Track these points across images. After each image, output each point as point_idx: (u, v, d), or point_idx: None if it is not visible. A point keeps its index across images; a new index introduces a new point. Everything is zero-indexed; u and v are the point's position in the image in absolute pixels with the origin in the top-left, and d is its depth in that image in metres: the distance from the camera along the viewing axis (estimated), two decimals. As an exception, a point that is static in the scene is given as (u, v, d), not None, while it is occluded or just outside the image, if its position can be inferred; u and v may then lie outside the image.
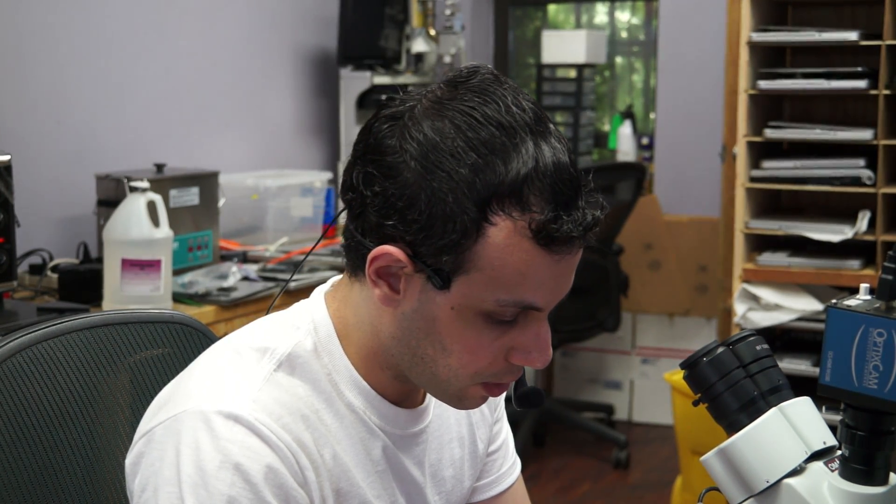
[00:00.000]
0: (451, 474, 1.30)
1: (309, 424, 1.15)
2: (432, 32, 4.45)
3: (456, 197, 1.05)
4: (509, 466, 1.43)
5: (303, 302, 1.23)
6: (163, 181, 3.04)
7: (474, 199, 1.05)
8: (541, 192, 1.05)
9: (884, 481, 1.12)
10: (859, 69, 3.01)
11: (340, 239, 1.23)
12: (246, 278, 3.06)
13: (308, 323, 1.19)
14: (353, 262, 1.16)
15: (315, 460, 1.14)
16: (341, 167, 4.24)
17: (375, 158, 1.09)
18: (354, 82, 4.21)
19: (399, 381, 1.19)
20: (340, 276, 1.23)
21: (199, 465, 1.09)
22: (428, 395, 1.25)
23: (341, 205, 1.20)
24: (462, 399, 1.17)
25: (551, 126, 1.10)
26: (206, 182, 3.21)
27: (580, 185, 1.08)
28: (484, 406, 1.35)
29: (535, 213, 1.05)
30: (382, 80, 4.25)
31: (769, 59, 3.22)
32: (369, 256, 1.10)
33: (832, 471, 1.13)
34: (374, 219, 1.10)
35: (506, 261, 1.06)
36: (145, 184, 2.73)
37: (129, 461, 1.16)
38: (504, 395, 1.32)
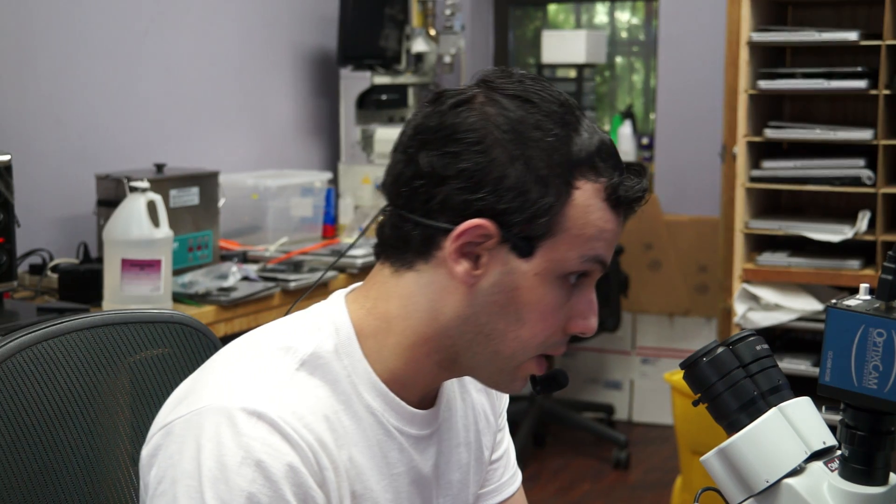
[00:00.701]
0: (458, 478, 1.31)
1: (329, 425, 1.15)
2: (432, 32, 4.45)
3: (547, 163, 1.14)
4: (510, 476, 1.45)
5: (323, 303, 1.24)
6: (163, 181, 3.04)
7: (562, 164, 1.15)
8: (606, 162, 1.18)
9: (883, 481, 1.13)
10: (859, 69, 3.01)
11: (372, 237, 1.25)
12: (246, 278, 3.06)
13: (329, 325, 1.20)
14: (410, 253, 1.18)
15: (335, 461, 1.15)
16: (341, 167, 4.24)
17: (455, 139, 1.14)
18: (354, 82, 4.21)
19: (440, 367, 1.21)
20: (359, 284, 1.25)
21: (221, 459, 1.09)
22: (438, 398, 1.27)
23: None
24: (515, 377, 1.21)
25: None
26: (206, 182, 3.21)
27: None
28: (489, 412, 1.38)
29: (606, 179, 1.17)
30: (382, 80, 4.25)
31: (769, 59, 3.22)
32: (455, 232, 1.14)
33: (832, 471, 1.13)
34: (458, 196, 1.14)
35: (588, 219, 1.16)
36: (145, 184, 2.73)
37: (145, 453, 1.16)
38: (506, 403, 1.41)
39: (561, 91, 1.20)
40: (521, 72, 1.20)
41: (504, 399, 1.42)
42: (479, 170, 1.13)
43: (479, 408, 1.36)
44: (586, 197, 1.15)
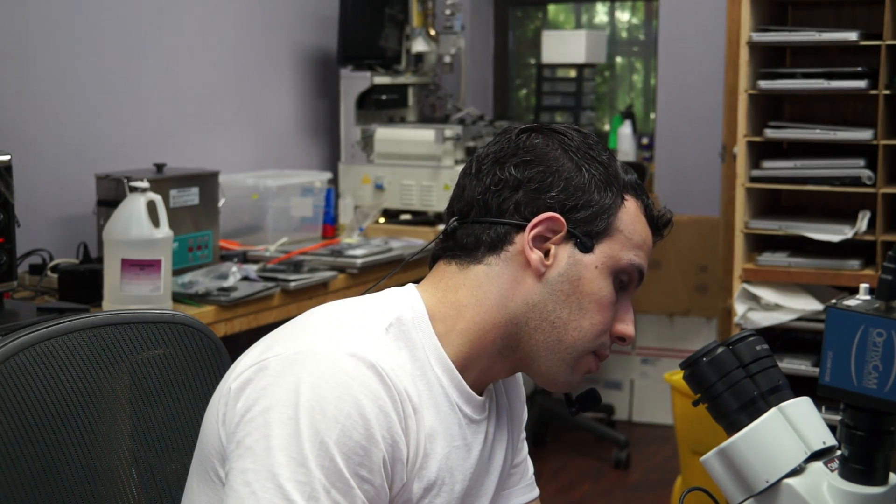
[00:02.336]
0: (496, 467, 1.41)
1: (412, 383, 1.26)
2: (432, 32, 4.45)
3: (605, 174, 1.33)
4: (526, 485, 1.54)
5: (395, 289, 1.36)
6: (163, 181, 3.04)
7: (615, 178, 1.34)
8: (642, 191, 1.38)
9: (883, 481, 1.13)
10: (859, 69, 3.01)
11: (437, 237, 1.39)
12: (246, 278, 3.06)
13: (405, 303, 1.32)
14: (477, 250, 1.33)
15: (418, 413, 1.25)
16: (341, 167, 4.24)
17: (528, 151, 1.33)
18: (354, 82, 4.21)
19: (501, 357, 1.33)
20: (419, 281, 1.37)
21: (320, 392, 1.17)
22: (486, 389, 1.37)
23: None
24: (574, 369, 1.33)
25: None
26: (206, 182, 3.21)
27: None
28: (521, 414, 1.49)
29: (643, 201, 1.37)
30: (382, 80, 4.25)
31: (769, 59, 3.22)
32: (532, 223, 1.31)
33: (832, 471, 1.14)
34: (532, 196, 1.31)
35: (636, 226, 1.34)
36: (145, 184, 2.73)
37: (235, 385, 1.22)
38: (525, 419, 1.52)
39: None
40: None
41: (525, 413, 1.52)
42: (551, 173, 1.32)
43: (515, 412, 1.47)
44: (632, 208, 1.35)
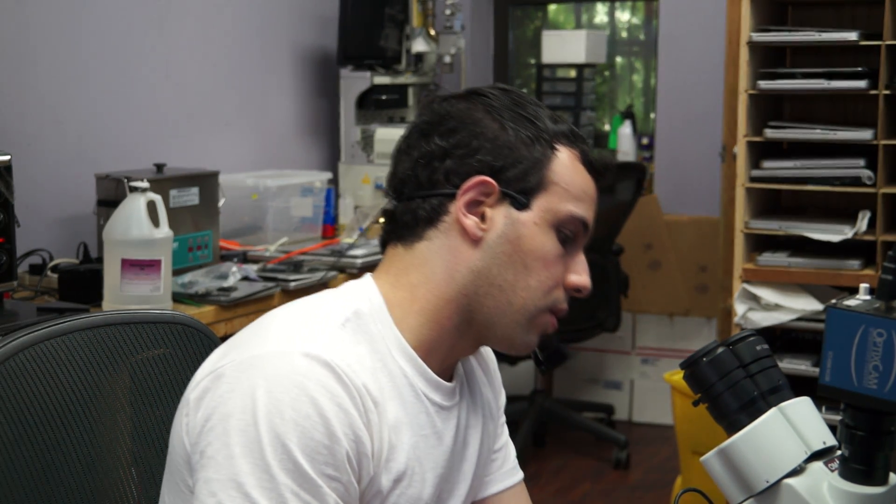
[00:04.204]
0: (471, 454, 1.40)
1: (371, 376, 1.24)
2: (432, 32, 4.45)
3: (532, 128, 1.31)
4: (510, 469, 1.52)
5: (352, 281, 1.36)
6: (163, 181, 3.03)
7: (544, 131, 1.32)
8: (578, 138, 1.35)
9: (883, 481, 1.13)
10: (859, 69, 3.01)
11: (379, 228, 1.40)
12: (246, 278, 3.06)
13: (362, 295, 1.31)
14: (417, 227, 1.32)
15: (378, 407, 1.23)
16: (341, 167, 4.24)
17: (451, 118, 1.32)
18: (354, 82, 4.21)
19: (459, 333, 1.31)
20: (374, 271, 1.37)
21: (276, 395, 1.16)
22: (456, 375, 1.36)
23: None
24: (530, 329, 1.32)
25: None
26: (206, 182, 3.21)
27: None
28: (493, 404, 1.47)
29: (580, 147, 1.35)
30: (382, 80, 4.25)
31: (769, 59, 3.22)
32: (462, 189, 1.29)
33: (832, 471, 1.14)
34: (458, 161, 1.30)
35: (573, 177, 1.32)
36: (145, 184, 2.72)
37: (192, 397, 1.22)
38: (504, 399, 1.51)
39: None
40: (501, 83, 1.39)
41: (503, 395, 1.51)
42: (475, 136, 1.30)
43: (486, 399, 1.45)
44: (567, 158, 1.32)
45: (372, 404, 1.22)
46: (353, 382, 1.20)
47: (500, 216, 1.30)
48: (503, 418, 1.52)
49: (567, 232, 1.31)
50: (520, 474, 1.54)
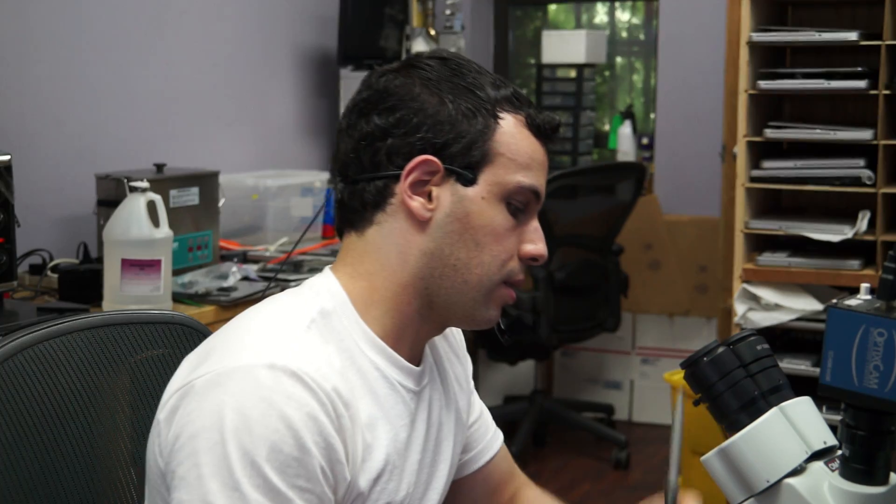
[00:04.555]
0: (444, 435, 1.39)
1: (341, 377, 1.22)
2: (432, 32, 4.45)
3: (472, 99, 1.28)
4: (492, 435, 1.54)
5: (313, 277, 1.33)
6: (163, 181, 3.03)
7: (485, 100, 1.28)
8: (522, 101, 1.31)
9: (884, 481, 1.13)
10: (859, 69, 3.01)
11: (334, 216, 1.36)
12: (246, 278, 3.06)
13: (325, 291, 1.29)
14: (368, 211, 1.29)
15: (350, 409, 1.21)
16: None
17: (388, 96, 1.28)
18: (354, 82, 4.19)
19: (420, 318, 1.30)
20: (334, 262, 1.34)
21: (243, 411, 1.13)
22: (423, 359, 1.36)
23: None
24: (488, 305, 1.30)
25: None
26: (206, 182, 3.21)
27: None
28: (461, 378, 1.46)
29: (525, 111, 1.31)
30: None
31: (769, 59, 3.22)
32: (405, 170, 1.26)
33: (832, 471, 1.13)
34: (401, 142, 1.27)
35: (519, 145, 1.29)
36: (145, 184, 2.72)
37: (161, 416, 1.20)
38: (471, 368, 1.50)
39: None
40: (448, 50, 1.35)
41: (469, 362, 1.51)
42: (414, 114, 1.27)
43: (453, 374, 1.44)
44: (510, 126, 1.29)
45: (343, 408, 1.19)
46: (321, 388, 1.17)
47: (447, 194, 1.27)
48: (472, 384, 1.52)
49: (517, 203, 1.29)
50: (500, 437, 1.55)
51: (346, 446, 1.19)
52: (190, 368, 1.22)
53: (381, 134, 1.28)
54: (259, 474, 1.12)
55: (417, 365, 1.34)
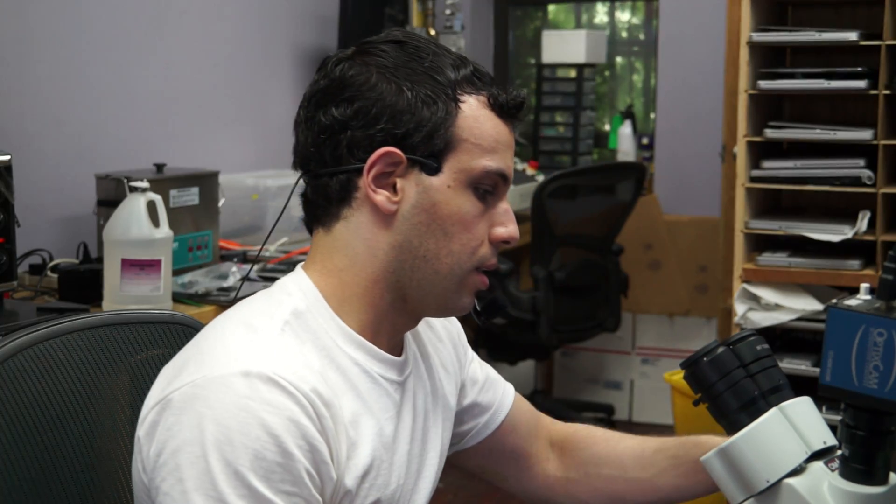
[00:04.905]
0: (431, 423, 1.38)
1: (321, 377, 1.20)
2: (432, 32, 4.45)
3: (431, 84, 1.24)
4: (503, 391, 1.55)
5: (285, 277, 1.31)
6: (163, 181, 3.03)
7: (445, 84, 1.25)
8: (484, 81, 1.28)
9: (884, 481, 1.13)
10: (859, 69, 3.01)
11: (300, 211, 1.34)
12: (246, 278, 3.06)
13: (296, 291, 1.27)
14: (333, 206, 1.27)
15: (331, 409, 1.19)
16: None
17: (345, 86, 1.26)
18: (354, 82, 4.20)
19: (395, 311, 1.28)
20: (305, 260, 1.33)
21: (222, 422, 1.12)
22: (406, 349, 1.33)
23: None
24: (461, 293, 1.28)
25: None
26: (206, 182, 3.21)
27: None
28: (447, 363, 1.44)
29: (487, 91, 1.28)
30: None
31: (769, 59, 3.22)
32: (367, 164, 1.24)
33: (832, 471, 1.14)
34: (361, 133, 1.24)
35: (482, 129, 1.26)
36: (145, 184, 2.72)
37: (141, 433, 1.19)
38: (464, 337, 1.50)
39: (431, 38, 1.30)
40: (403, 29, 1.34)
41: (460, 335, 1.51)
42: (373, 104, 1.24)
43: (438, 360, 1.43)
44: (473, 109, 1.26)
45: (324, 408, 1.18)
46: (300, 391, 1.15)
47: (412, 185, 1.25)
48: (473, 358, 1.52)
49: (485, 187, 1.26)
50: (511, 390, 1.56)
51: (330, 447, 1.18)
52: (166, 381, 1.20)
53: (340, 127, 1.25)
54: (244, 484, 1.11)
55: (399, 355, 1.32)
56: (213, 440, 1.11)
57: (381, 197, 1.24)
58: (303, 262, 1.31)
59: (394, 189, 1.25)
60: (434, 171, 1.24)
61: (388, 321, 1.29)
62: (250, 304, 1.28)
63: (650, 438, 1.55)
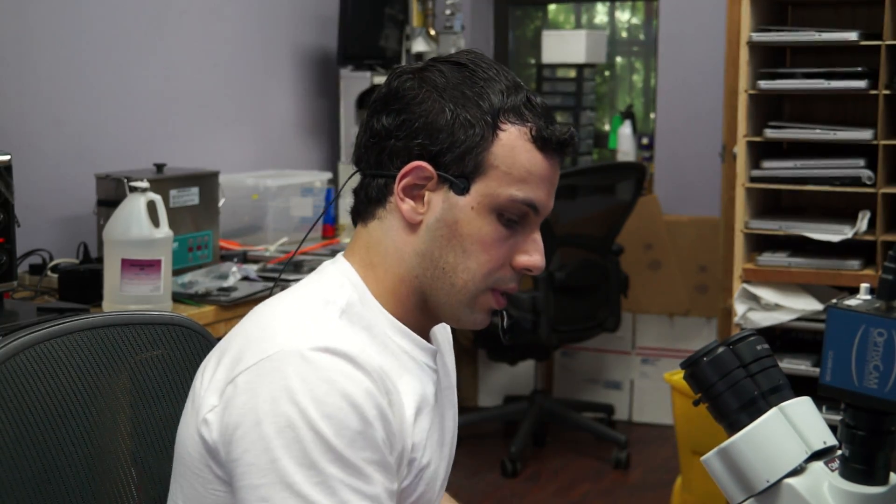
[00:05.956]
0: (451, 415, 1.45)
1: (381, 359, 1.28)
2: (432, 32, 4.45)
3: (472, 109, 1.29)
4: None
5: (330, 265, 1.37)
6: (163, 181, 3.03)
7: (488, 110, 1.29)
8: (533, 112, 1.32)
9: (884, 481, 1.13)
10: (859, 69, 3.01)
11: (350, 202, 1.39)
12: (246, 278, 3.06)
13: (347, 282, 1.33)
14: (372, 205, 1.34)
15: (394, 386, 1.27)
16: (341, 167, 4.24)
17: (398, 98, 1.31)
18: (354, 82, 4.21)
19: (419, 310, 1.35)
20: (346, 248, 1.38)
21: (306, 393, 1.17)
22: (433, 339, 1.41)
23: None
24: (474, 307, 1.33)
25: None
26: (206, 182, 3.21)
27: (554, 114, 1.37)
28: (450, 362, 1.50)
29: (532, 124, 1.31)
30: (382, 80, 4.23)
31: (769, 59, 3.22)
32: (400, 174, 1.30)
33: (832, 471, 1.14)
34: (401, 144, 1.30)
35: (515, 159, 1.29)
36: (145, 184, 2.72)
37: (211, 417, 1.22)
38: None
39: (503, 66, 1.35)
40: (473, 51, 1.36)
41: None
42: (416, 119, 1.29)
43: (450, 358, 1.50)
44: (513, 138, 1.30)
45: (390, 385, 1.25)
46: (370, 367, 1.22)
47: (439, 200, 1.30)
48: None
49: (510, 215, 1.31)
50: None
51: (394, 420, 1.24)
52: (231, 363, 1.24)
53: (386, 134, 1.31)
54: (331, 450, 1.17)
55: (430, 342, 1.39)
56: (297, 410, 1.17)
57: (407, 206, 1.31)
58: (343, 252, 1.37)
59: (423, 200, 1.31)
60: (462, 190, 1.30)
61: (415, 317, 1.35)
62: (302, 289, 1.33)
63: None
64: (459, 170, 1.29)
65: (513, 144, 1.30)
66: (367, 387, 1.21)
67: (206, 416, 1.23)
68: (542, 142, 1.31)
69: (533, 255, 1.33)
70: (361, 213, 1.36)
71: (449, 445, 1.43)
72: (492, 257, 1.31)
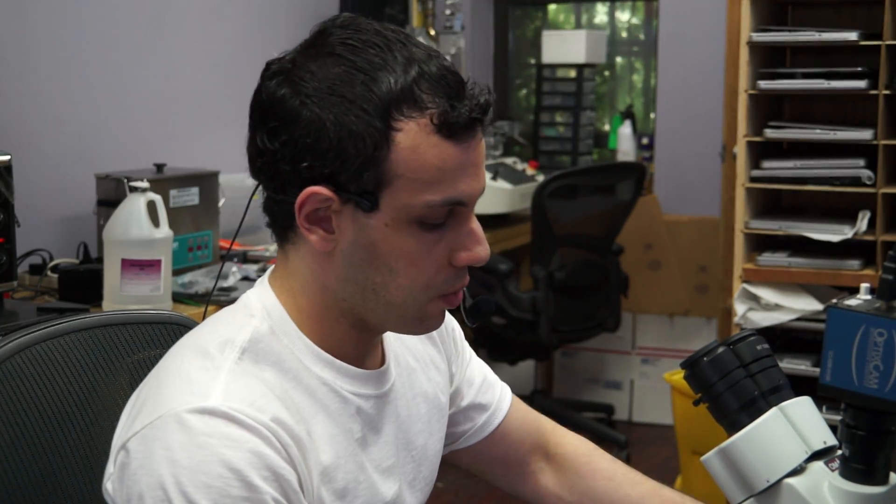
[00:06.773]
0: (419, 428, 1.33)
1: (283, 404, 1.15)
2: (432, 32, 4.45)
3: (358, 115, 1.10)
4: (500, 394, 1.50)
5: (251, 291, 1.24)
6: (163, 181, 3.03)
7: (375, 111, 1.10)
8: (431, 90, 1.12)
9: (884, 481, 1.13)
10: (859, 69, 3.01)
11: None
12: (246, 278, 3.06)
13: (260, 309, 1.20)
14: (281, 229, 1.20)
15: (296, 436, 1.14)
16: (341, 167, 4.24)
17: (273, 113, 1.14)
18: (354, 82, 4.20)
19: (357, 330, 1.22)
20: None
21: (183, 463, 1.08)
22: (387, 356, 1.29)
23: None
24: (424, 319, 1.20)
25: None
26: (206, 182, 3.21)
27: (461, 78, 1.15)
28: (438, 359, 1.40)
29: (431, 109, 1.11)
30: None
31: (769, 59, 3.22)
32: (296, 204, 1.13)
33: (832, 470, 1.13)
34: (289, 168, 1.13)
35: (421, 161, 1.11)
36: (145, 184, 2.72)
37: (113, 476, 1.15)
38: (461, 335, 1.44)
39: (391, 26, 1.18)
40: (348, 15, 1.23)
41: (455, 343, 1.45)
42: (297, 137, 1.12)
43: (428, 357, 1.38)
44: (412, 137, 1.11)
45: (288, 436, 1.12)
46: (259, 422, 1.10)
47: (348, 222, 1.14)
48: (471, 358, 1.48)
49: (434, 220, 1.14)
50: (508, 393, 1.50)
51: (299, 474, 1.13)
52: (129, 421, 1.16)
53: (271, 157, 1.15)
54: None
55: (379, 366, 1.27)
56: (173, 482, 1.07)
57: (316, 237, 1.15)
58: (270, 272, 1.25)
59: (332, 223, 1.15)
60: (370, 207, 1.12)
61: (351, 339, 1.22)
62: (213, 325, 1.22)
63: (651, 490, 1.57)
64: (360, 187, 1.11)
65: (414, 145, 1.11)
66: (253, 447, 1.09)
67: (106, 484, 1.16)
68: (449, 129, 1.11)
69: (473, 249, 1.16)
70: (275, 234, 1.21)
71: (417, 462, 1.32)
72: (423, 269, 1.15)
